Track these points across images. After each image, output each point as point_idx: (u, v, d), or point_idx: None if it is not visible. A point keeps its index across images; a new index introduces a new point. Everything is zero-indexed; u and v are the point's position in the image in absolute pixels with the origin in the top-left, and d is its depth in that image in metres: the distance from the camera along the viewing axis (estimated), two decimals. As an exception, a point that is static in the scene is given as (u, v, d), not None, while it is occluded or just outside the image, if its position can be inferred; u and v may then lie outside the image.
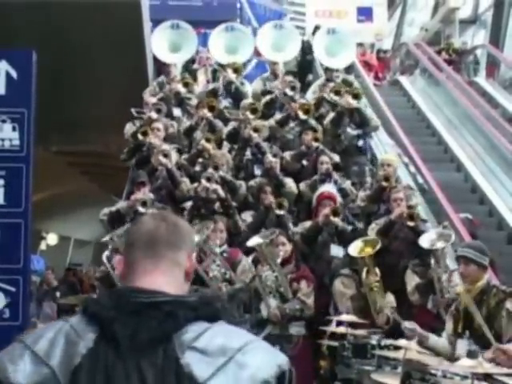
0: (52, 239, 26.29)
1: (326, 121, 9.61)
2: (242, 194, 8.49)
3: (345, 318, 5.82)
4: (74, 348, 1.59)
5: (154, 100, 10.21)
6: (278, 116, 9.91)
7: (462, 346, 4.85)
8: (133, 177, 8.47)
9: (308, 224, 7.81)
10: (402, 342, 4.79)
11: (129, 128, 9.76)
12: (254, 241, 6.90)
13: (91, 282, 14.42)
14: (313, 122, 9.63)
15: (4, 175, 7.58)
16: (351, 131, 9.52)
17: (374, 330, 5.87)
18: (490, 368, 3.75)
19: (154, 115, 9.44)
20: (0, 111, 7.67)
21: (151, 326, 1.59)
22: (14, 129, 7.57)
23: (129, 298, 1.65)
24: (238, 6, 18.77)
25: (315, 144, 8.96)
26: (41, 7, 10.39)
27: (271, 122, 9.82)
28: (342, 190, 8.36)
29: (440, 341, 5.15)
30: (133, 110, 9.94)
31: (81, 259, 26.50)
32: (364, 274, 6.48)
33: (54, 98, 11.61)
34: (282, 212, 7.81)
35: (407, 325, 5.27)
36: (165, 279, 1.74)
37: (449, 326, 5.23)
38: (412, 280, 6.90)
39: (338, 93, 9.82)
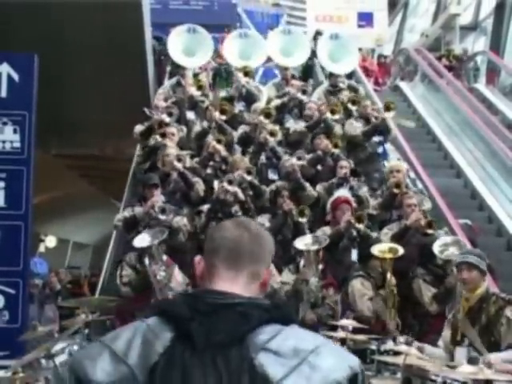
0: (51, 242, 26.27)
1: (358, 131, 9.65)
2: (265, 200, 8.51)
3: (345, 322, 5.81)
4: (151, 347, 1.61)
5: (164, 104, 10.22)
6: (309, 122, 9.99)
7: (461, 353, 4.84)
8: (144, 180, 8.44)
9: (329, 230, 7.77)
10: (401, 347, 4.79)
11: (138, 128, 9.79)
12: (303, 243, 7.00)
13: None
14: (338, 128, 9.72)
15: (4, 177, 7.60)
16: (374, 138, 9.61)
17: (374, 336, 5.85)
18: (490, 374, 3.75)
19: (166, 118, 9.46)
20: (1, 113, 7.70)
21: (226, 327, 1.61)
22: (15, 131, 7.59)
23: (204, 298, 1.68)
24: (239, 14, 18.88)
25: (333, 150, 9.01)
26: (41, 8, 10.39)
27: (303, 128, 9.82)
28: (357, 197, 8.37)
29: (436, 351, 5.15)
30: (145, 110, 9.96)
31: (79, 262, 26.48)
32: (388, 276, 6.47)
33: (53, 100, 11.61)
34: (304, 220, 7.82)
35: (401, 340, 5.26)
36: (241, 291, 1.75)
37: (446, 333, 5.22)
38: (427, 290, 6.92)
39: (354, 103, 9.92)
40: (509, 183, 11.30)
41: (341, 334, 5.68)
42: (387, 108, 9.57)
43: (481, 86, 16.69)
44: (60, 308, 10.09)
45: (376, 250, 6.68)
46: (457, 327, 5.09)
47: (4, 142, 7.59)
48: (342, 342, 5.75)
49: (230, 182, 7.91)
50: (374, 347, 5.51)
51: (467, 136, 13.21)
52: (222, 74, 12.85)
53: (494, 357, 4.56)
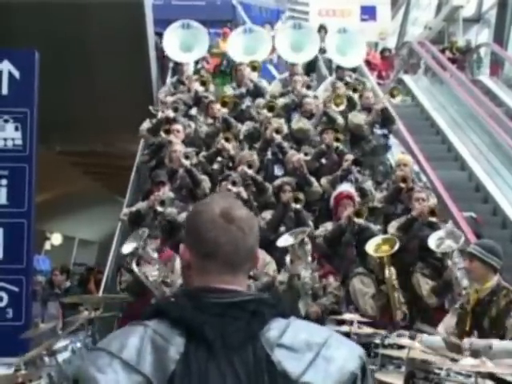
0: (56, 239, 26.34)
1: (362, 121, 9.62)
2: (269, 196, 8.48)
3: (348, 316, 5.79)
4: (165, 354, 1.57)
5: (171, 99, 10.22)
6: (314, 120, 9.99)
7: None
8: (152, 177, 8.45)
9: (330, 226, 7.76)
10: (405, 340, 4.77)
11: (145, 125, 9.79)
12: (285, 241, 6.93)
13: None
14: (340, 119, 9.69)
15: (7, 175, 7.61)
16: (378, 131, 9.58)
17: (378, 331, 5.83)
18: (493, 367, 3.73)
19: (170, 114, 9.45)
20: (2, 111, 7.71)
21: (239, 326, 1.60)
22: (16, 128, 7.59)
23: (209, 298, 1.65)
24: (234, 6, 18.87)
25: (336, 144, 8.99)
26: (43, 7, 10.40)
27: (308, 125, 9.81)
28: (361, 190, 8.35)
29: (435, 340, 5.12)
30: (151, 108, 9.95)
31: (85, 259, 26.52)
32: (387, 272, 6.44)
33: (57, 97, 11.63)
34: (298, 206, 7.79)
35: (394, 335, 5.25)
36: (240, 286, 1.74)
37: (450, 321, 5.21)
38: (425, 283, 6.89)
39: (355, 90, 9.89)
40: (513, 175, 11.27)
41: (344, 327, 5.67)
42: (392, 95, 9.56)
43: (485, 77, 16.60)
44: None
45: (370, 248, 6.66)
46: (465, 318, 5.08)
47: (6, 139, 7.59)
48: (346, 336, 5.74)
49: (234, 183, 7.89)
50: (377, 341, 5.50)
51: (471, 128, 13.16)
52: (225, 71, 12.86)
53: (496, 343, 4.53)
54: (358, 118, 9.65)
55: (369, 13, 19.31)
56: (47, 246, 25.21)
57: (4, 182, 7.53)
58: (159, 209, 7.50)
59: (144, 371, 1.54)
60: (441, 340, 5.05)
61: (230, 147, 8.87)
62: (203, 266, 1.73)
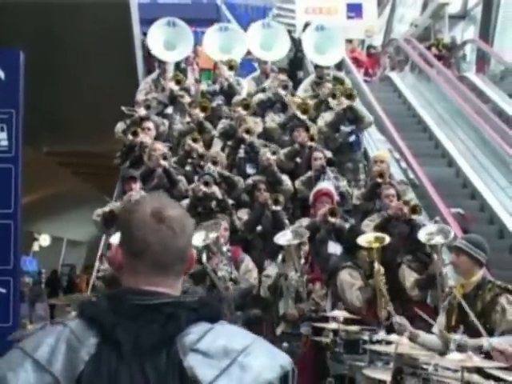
0: (44, 240, 26.28)
1: (322, 123, 9.60)
2: (240, 189, 8.52)
3: (337, 313, 5.80)
4: (76, 354, 1.56)
5: (142, 97, 10.23)
6: (280, 118, 9.97)
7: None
8: (122, 174, 8.45)
9: (305, 222, 7.78)
10: (393, 336, 4.79)
11: (119, 126, 9.79)
12: (284, 239, 6.94)
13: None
14: (307, 120, 9.66)
15: (-8, 176, 7.57)
16: (345, 128, 9.53)
17: (366, 327, 5.85)
18: (479, 361, 3.75)
19: (142, 112, 9.46)
20: (-12, 112, 7.66)
21: (153, 330, 1.57)
22: (1, 129, 7.55)
23: (128, 300, 1.62)
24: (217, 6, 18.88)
25: (310, 143, 8.98)
26: (31, 7, 10.37)
27: (273, 124, 9.80)
28: (341, 194, 8.34)
29: (430, 337, 5.16)
30: (123, 109, 9.92)
31: (74, 259, 26.48)
32: (376, 265, 6.46)
33: (44, 98, 11.60)
34: (278, 208, 7.80)
35: (398, 320, 5.28)
36: (169, 289, 1.70)
37: (441, 319, 5.24)
38: (410, 276, 6.91)
39: (334, 96, 9.83)
40: (500, 171, 11.30)
41: (333, 325, 5.69)
42: (348, 96, 9.48)
43: (471, 74, 16.67)
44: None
45: (362, 240, 6.66)
46: (452, 313, 5.10)
47: (-9, 140, 7.56)
48: (335, 333, 5.75)
49: (207, 184, 7.90)
50: (366, 337, 5.52)
51: (458, 125, 13.20)
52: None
53: (485, 342, 4.56)
54: (323, 120, 9.64)
55: (355, 10, 19.27)
56: (35, 247, 25.14)
57: (-11, 183, 7.50)
58: None
59: (54, 371, 1.54)
60: (435, 337, 5.09)
61: (198, 146, 8.90)
62: (132, 265, 1.70)
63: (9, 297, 7.39)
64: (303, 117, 9.54)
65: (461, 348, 3.87)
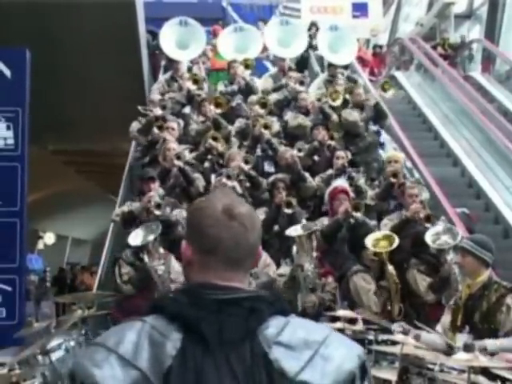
0: (49, 238, 26.30)
1: (356, 118, 9.59)
2: (263, 191, 8.48)
3: (342, 313, 5.79)
4: (161, 349, 1.56)
5: (158, 97, 10.22)
6: (312, 116, 10.02)
7: (462, 340, 4.83)
8: (141, 174, 8.42)
9: (326, 221, 7.72)
10: (399, 336, 4.78)
11: (134, 126, 9.75)
12: (295, 231, 6.94)
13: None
14: (335, 116, 9.72)
15: (-1, 174, 7.59)
16: (372, 127, 9.57)
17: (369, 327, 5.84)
18: (486, 362, 3.74)
19: (158, 111, 9.45)
20: (-6, 110, 7.68)
21: (237, 323, 1.59)
22: (8, 128, 7.57)
23: (207, 295, 1.64)
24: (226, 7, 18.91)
25: (330, 142, 9.00)
26: (36, 6, 10.37)
27: (308, 122, 9.79)
28: (356, 187, 8.33)
29: (432, 336, 5.14)
30: (139, 108, 9.92)
31: (78, 258, 26.52)
32: (389, 268, 6.44)
33: (50, 97, 11.61)
34: (290, 211, 7.78)
35: (396, 328, 5.26)
36: (240, 283, 1.73)
37: (446, 319, 5.23)
38: (422, 280, 6.87)
39: (351, 93, 9.92)
40: (506, 171, 11.29)
41: (338, 324, 5.68)
42: (384, 89, 9.53)
43: (476, 74, 16.64)
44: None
45: (369, 241, 6.66)
46: (458, 313, 5.09)
47: (-3, 138, 7.58)
48: (340, 332, 5.74)
49: (229, 177, 7.89)
50: (371, 337, 5.51)
51: (463, 124, 13.19)
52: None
53: (491, 343, 4.56)
54: (353, 115, 9.60)
55: (360, 9, 19.29)
56: (40, 245, 25.17)
57: (-4, 181, 7.52)
58: (157, 213, 7.41)
59: (140, 366, 1.54)
60: (438, 337, 5.07)
61: (219, 145, 8.89)
62: (204, 262, 1.72)
63: (14, 295, 7.41)
64: (336, 103, 9.68)
65: (468, 348, 3.85)
